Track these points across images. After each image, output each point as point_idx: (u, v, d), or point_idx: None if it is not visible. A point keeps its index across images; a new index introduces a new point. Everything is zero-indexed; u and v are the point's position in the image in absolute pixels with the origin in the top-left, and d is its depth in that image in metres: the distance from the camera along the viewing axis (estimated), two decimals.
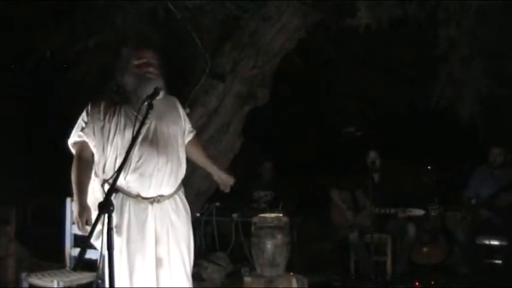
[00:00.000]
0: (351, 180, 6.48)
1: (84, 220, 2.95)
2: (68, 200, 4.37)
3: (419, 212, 5.94)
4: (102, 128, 3.03)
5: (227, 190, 3.53)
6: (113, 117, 3.02)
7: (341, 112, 7.75)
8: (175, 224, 3.07)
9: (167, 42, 5.37)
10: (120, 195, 2.96)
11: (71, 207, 4.35)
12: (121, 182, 2.93)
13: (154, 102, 2.86)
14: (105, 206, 2.39)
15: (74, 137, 3.10)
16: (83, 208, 2.97)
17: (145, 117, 2.78)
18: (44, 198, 6.46)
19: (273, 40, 5.61)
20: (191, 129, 3.35)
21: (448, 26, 4.93)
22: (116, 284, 2.43)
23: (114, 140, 2.99)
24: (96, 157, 3.05)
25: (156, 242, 2.99)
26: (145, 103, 2.82)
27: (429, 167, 7.83)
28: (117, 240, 2.91)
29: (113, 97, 3.09)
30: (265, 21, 5.52)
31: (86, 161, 3.06)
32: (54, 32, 5.41)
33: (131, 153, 2.84)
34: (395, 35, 5.58)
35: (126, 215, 2.97)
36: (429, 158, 7.81)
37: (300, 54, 6.33)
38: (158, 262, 2.99)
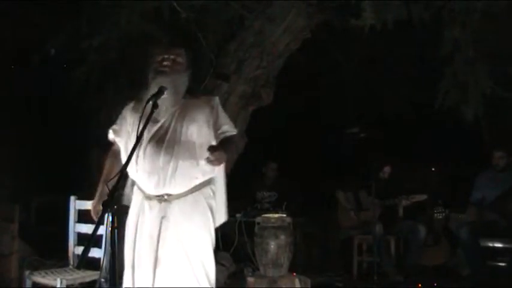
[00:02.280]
0: (355, 181, 6.50)
1: (97, 210, 3.01)
2: (72, 198, 4.39)
3: (423, 197, 6.03)
4: (127, 125, 3.12)
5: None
6: (136, 114, 3.05)
7: (345, 113, 7.74)
8: (184, 224, 3.00)
9: (172, 42, 5.37)
10: (138, 191, 3.06)
11: (75, 205, 4.37)
12: (136, 179, 3.05)
13: (184, 101, 3.02)
14: (108, 205, 2.39)
15: (109, 132, 3.24)
16: (101, 197, 3.03)
17: (149, 117, 2.78)
18: (48, 196, 6.46)
19: (278, 40, 5.61)
20: (224, 130, 3.11)
21: (452, 28, 4.92)
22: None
23: (132, 138, 3.01)
24: (122, 154, 3.11)
25: (159, 241, 2.97)
26: (150, 102, 2.83)
27: (433, 169, 7.84)
28: (127, 235, 3.03)
29: (141, 95, 3.11)
30: (270, 21, 5.52)
31: (114, 154, 3.17)
32: (59, 30, 5.42)
33: (137, 152, 2.90)
34: (399, 36, 5.57)
35: (138, 211, 3.03)
36: (433, 160, 7.81)
37: (304, 55, 6.33)
38: (158, 261, 2.97)
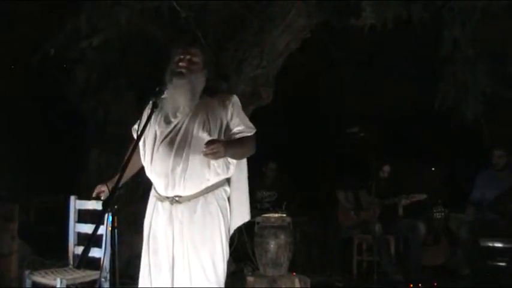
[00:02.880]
0: (355, 181, 6.51)
1: (97, 193, 3.06)
2: (72, 198, 4.39)
3: (422, 196, 6.04)
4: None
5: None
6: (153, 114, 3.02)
7: (344, 112, 7.75)
8: (195, 226, 2.97)
9: (171, 41, 5.37)
10: (153, 191, 3.07)
11: (75, 205, 4.37)
12: (151, 179, 3.05)
13: (200, 101, 3.01)
14: (108, 205, 2.38)
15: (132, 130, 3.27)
16: (105, 185, 3.05)
17: (149, 117, 2.78)
18: (48, 196, 6.47)
19: (278, 40, 5.61)
20: (236, 131, 3.08)
21: (452, 27, 4.93)
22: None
23: (146, 138, 3.04)
24: (140, 151, 3.09)
25: (173, 242, 2.98)
26: (150, 102, 2.82)
27: (433, 169, 7.83)
28: (144, 235, 3.07)
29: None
30: (270, 21, 5.52)
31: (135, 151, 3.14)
32: (59, 30, 5.42)
33: (151, 153, 2.97)
34: (399, 35, 5.57)
35: (152, 212, 3.06)
36: (433, 160, 7.81)
37: (304, 55, 6.33)
38: (174, 262, 2.98)
